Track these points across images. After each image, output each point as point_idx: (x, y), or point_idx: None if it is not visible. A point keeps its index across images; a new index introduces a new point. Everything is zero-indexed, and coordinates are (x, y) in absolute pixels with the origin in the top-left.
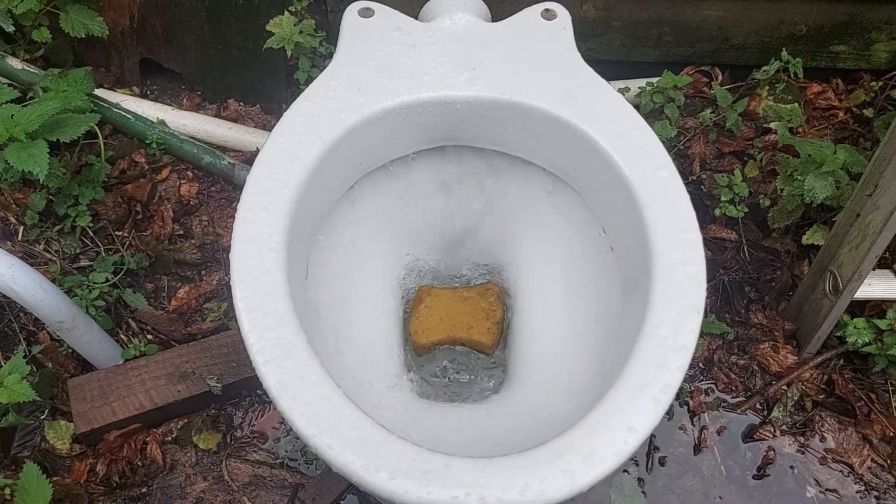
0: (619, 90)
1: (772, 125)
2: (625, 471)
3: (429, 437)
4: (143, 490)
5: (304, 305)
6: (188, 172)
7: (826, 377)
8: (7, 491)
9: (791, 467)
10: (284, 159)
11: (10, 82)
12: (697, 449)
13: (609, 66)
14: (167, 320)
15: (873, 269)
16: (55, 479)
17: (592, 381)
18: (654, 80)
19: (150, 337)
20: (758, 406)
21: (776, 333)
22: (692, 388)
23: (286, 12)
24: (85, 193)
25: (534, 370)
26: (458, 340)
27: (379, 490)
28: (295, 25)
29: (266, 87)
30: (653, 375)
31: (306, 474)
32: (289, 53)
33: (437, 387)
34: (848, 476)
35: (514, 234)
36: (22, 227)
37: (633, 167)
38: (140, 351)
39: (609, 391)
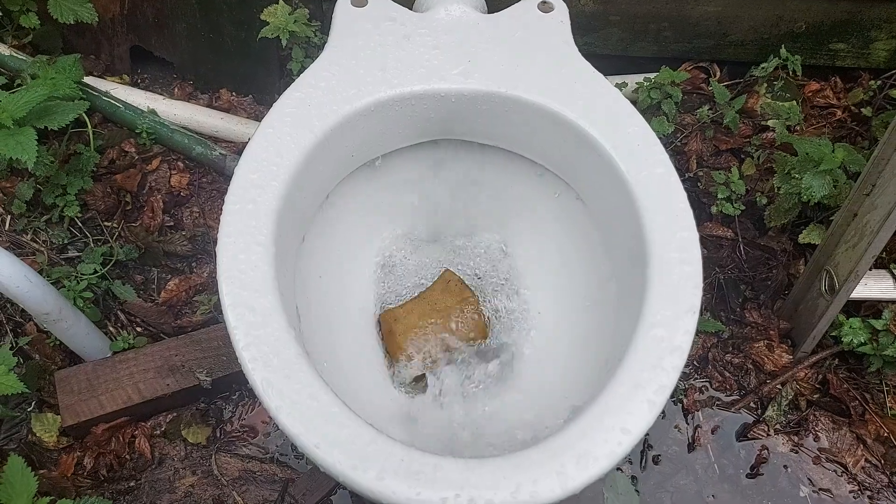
0: (617, 85)
1: (769, 123)
2: (618, 469)
3: (417, 435)
4: (132, 484)
5: (292, 300)
6: (179, 163)
7: (821, 377)
8: None
9: (785, 466)
10: (274, 151)
11: None
12: (691, 447)
13: (606, 60)
14: (156, 313)
15: (870, 270)
16: (42, 472)
17: (586, 381)
18: (652, 75)
19: (139, 329)
20: (752, 405)
21: (771, 332)
22: (686, 387)
23: (280, 1)
24: (73, 183)
25: (527, 368)
26: (449, 347)
27: (367, 490)
28: (290, 14)
29: (259, 77)
30: (647, 377)
31: (297, 469)
32: (283, 43)
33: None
34: (841, 476)
35: (507, 229)
36: (9, 217)
37: (630, 163)
38: (129, 343)
39: (603, 391)
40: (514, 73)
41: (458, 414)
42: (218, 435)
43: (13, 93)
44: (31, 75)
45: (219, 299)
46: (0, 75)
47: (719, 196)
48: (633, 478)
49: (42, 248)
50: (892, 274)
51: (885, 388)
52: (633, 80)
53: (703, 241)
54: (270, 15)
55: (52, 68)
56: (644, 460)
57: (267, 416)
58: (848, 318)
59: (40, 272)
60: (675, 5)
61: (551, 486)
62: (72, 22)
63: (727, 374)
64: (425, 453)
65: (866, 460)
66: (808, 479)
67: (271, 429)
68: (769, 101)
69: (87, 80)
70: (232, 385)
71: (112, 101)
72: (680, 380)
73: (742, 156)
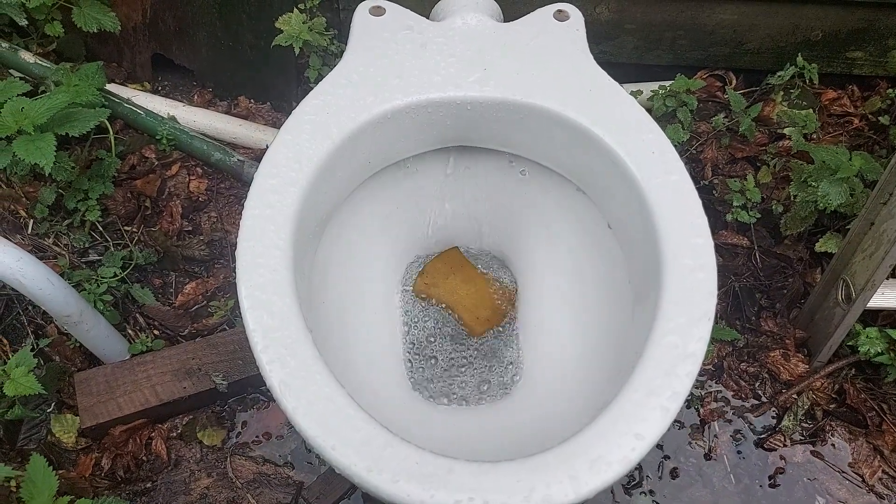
0: (632, 93)
1: (786, 131)
2: (641, 492)
3: (432, 439)
4: (148, 485)
5: (309, 304)
6: (198, 169)
7: (837, 386)
8: (13, 483)
9: (801, 477)
10: (292, 157)
11: (22, 76)
12: (707, 457)
13: (622, 69)
14: (174, 316)
15: (887, 279)
16: (60, 472)
17: (600, 387)
18: (667, 83)
19: (156, 332)
20: (768, 414)
21: (787, 341)
22: (703, 395)
23: (295, 9)
24: (94, 188)
25: (541, 374)
26: (453, 309)
27: (381, 492)
28: (304, 23)
29: (277, 84)
30: (661, 383)
31: (311, 472)
32: (296, 51)
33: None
34: (859, 487)
35: (521, 236)
36: (32, 221)
37: (645, 171)
38: (147, 346)
39: (617, 398)
40: (530, 80)
41: (469, 420)
42: (233, 438)
43: (36, 100)
44: (54, 82)
45: (235, 303)
46: (25, 82)
47: (735, 204)
48: (651, 491)
49: (64, 252)
50: None
51: None
52: (649, 87)
53: (719, 249)
54: (284, 23)
55: (75, 76)
56: (661, 471)
57: (282, 419)
58: (865, 328)
59: (62, 275)
60: (690, 14)
61: (564, 490)
62: (95, 30)
63: (743, 383)
64: (440, 456)
65: (883, 471)
66: (826, 490)
67: (286, 432)
68: (785, 109)
69: (110, 87)
70: (247, 388)
71: (133, 108)
72: (696, 388)
73: (758, 164)
